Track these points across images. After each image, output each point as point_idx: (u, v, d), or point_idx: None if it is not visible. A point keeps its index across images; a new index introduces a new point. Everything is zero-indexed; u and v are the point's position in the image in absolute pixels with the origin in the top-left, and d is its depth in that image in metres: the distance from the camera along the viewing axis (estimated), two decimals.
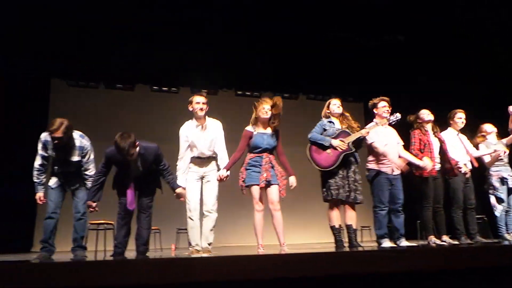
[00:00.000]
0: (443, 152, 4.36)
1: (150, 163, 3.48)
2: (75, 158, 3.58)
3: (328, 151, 3.79)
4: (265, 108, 3.76)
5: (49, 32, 6.51)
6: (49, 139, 3.51)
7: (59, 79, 7.89)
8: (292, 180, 3.84)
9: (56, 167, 3.62)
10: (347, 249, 3.72)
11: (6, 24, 6.19)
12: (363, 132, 3.81)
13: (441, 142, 4.40)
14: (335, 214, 3.83)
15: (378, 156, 3.91)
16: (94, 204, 3.44)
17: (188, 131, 3.85)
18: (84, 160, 3.63)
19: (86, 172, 3.66)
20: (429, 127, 4.40)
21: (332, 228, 3.85)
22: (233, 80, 8.57)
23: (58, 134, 3.38)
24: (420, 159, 4.08)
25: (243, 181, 3.76)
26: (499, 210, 4.64)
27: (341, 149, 3.74)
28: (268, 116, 3.77)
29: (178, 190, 3.64)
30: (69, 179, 3.65)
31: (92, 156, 3.70)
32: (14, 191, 6.59)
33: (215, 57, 7.45)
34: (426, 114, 4.40)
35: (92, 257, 3.83)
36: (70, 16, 6.33)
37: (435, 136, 4.40)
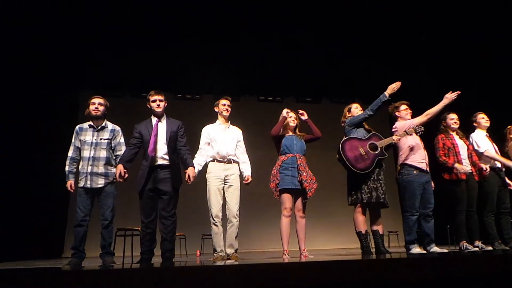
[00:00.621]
0: (470, 155, 4.26)
1: (175, 129, 3.65)
2: (106, 136, 3.79)
3: (362, 151, 3.75)
4: (292, 117, 4.06)
5: (79, 47, 6.78)
6: (84, 125, 3.80)
7: (88, 89, 8.15)
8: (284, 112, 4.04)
9: (85, 154, 3.71)
10: (374, 255, 3.64)
11: (40, 39, 6.48)
12: (394, 138, 3.82)
13: (467, 145, 4.31)
14: (362, 220, 3.80)
15: (411, 152, 3.84)
16: (124, 170, 3.42)
17: (210, 129, 4.03)
18: (115, 141, 3.83)
19: (117, 153, 3.82)
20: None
21: (359, 234, 3.81)
22: (255, 85, 8.61)
23: (101, 99, 3.82)
24: (451, 165, 4.07)
25: (277, 184, 3.81)
26: None
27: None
28: (295, 124, 4.05)
29: (190, 168, 3.57)
30: (97, 168, 3.70)
31: (122, 139, 3.89)
32: (46, 200, 6.85)
33: (237, 64, 7.52)
34: (453, 122, 4.31)
35: (120, 263, 3.90)
36: (95, 31, 6.57)
37: (461, 139, 4.30)
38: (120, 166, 3.46)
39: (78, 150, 3.79)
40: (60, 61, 7.08)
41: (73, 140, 3.80)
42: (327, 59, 7.78)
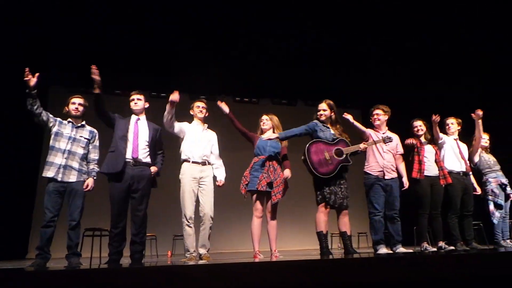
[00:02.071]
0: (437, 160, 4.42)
1: (154, 130, 3.77)
2: (86, 135, 3.75)
3: (327, 156, 3.75)
4: (263, 120, 4.13)
5: (49, 40, 6.56)
6: (63, 121, 3.72)
7: (58, 86, 7.89)
8: (287, 172, 3.96)
9: (61, 146, 3.60)
10: (336, 256, 3.71)
11: (5, 32, 6.24)
12: (361, 146, 3.87)
13: (435, 150, 4.45)
14: (324, 220, 3.78)
15: (371, 161, 4.01)
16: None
17: (189, 127, 4.04)
18: (92, 144, 3.78)
19: (91, 156, 3.76)
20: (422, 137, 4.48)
21: (319, 234, 3.78)
22: (231, 86, 8.61)
23: (81, 99, 3.83)
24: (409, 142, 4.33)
25: (246, 185, 3.87)
26: (496, 217, 4.64)
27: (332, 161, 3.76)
28: (268, 127, 4.07)
29: (155, 168, 3.69)
30: (72, 162, 3.60)
31: (97, 143, 3.85)
32: (10, 197, 6.58)
33: (213, 64, 7.49)
34: (418, 127, 4.46)
35: (87, 264, 3.80)
36: (68, 24, 6.38)
37: (429, 144, 4.45)
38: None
39: (47, 118, 3.63)
40: (30, 55, 6.81)
41: (51, 116, 3.68)
42: (303, 63, 7.89)
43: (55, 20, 6.21)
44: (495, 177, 4.76)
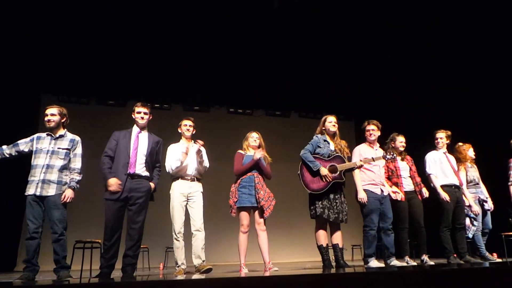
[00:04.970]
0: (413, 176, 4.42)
1: (154, 143, 3.70)
2: (65, 145, 3.60)
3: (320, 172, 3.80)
4: (254, 137, 4.15)
5: (41, 48, 6.54)
6: (42, 134, 3.62)
7: (50, 94, 7.85)
8: (258, 154, 3.95)
9: (40, 162, 3.51)
10: (334, 269, 3.70)
11: (5, 40, 6.22)
12: (357, 163, 3.89)
13: (409, 166, 4.44)
14: (323, 234, 3.87)
15: (369, 177, 3.99)
16: (114, 182, 3.40)
17: (177, 149, 4.08)
18: (72, 152, 3.63)
19: (71, 165, 3.61)
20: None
21: (320, 247, 3.88)
22: (225, 97, 8.63)
23: (54, 108, 3.61)
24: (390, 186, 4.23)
25: (235, 202, 3.89)
26: (472, 230, 4.68)
27: (327, 180, 3.77)
28: (257, 143, 4.13)
29: (152, 185, 3.65)
30: (50, 175, 3.49)
31: (80, 151, 3.68)
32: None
33: (207, 75, 7.51)
34: (401, 145, 4.44)
35: (77, 277, 3.72)
36: (62, 33, 6.38)
37: (403, 160, 4.44)
38: (115, 180, 3.41)
39: (26, 149, 3.59)
40: (24, 63, 6.79)
41: (28, 139, 3.62)
42: (297, 75, 7.94)
43: (46, 25, 6.17)
44: (474, 193, 4.80)
